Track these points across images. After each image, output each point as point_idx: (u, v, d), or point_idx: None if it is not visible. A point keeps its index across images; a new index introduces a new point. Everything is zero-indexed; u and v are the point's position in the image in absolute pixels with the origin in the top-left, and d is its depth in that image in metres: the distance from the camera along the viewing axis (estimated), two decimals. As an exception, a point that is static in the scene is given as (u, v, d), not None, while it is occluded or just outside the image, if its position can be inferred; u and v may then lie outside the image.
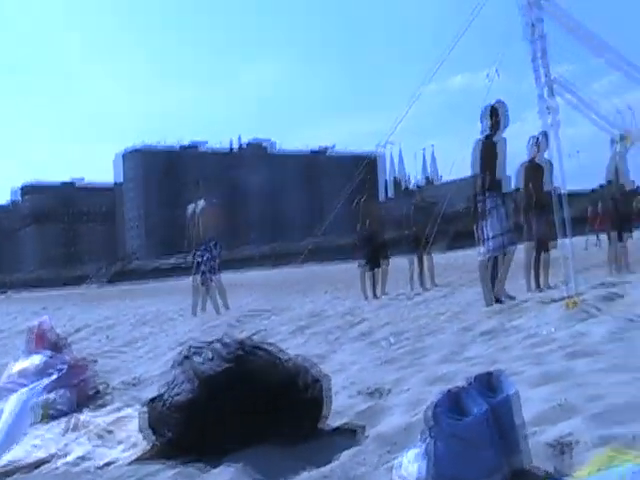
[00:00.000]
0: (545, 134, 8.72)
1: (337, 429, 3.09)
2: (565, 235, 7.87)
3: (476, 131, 8.12)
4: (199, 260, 12.07)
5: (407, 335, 6.32)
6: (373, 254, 13.38)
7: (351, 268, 15.09)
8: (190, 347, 3.19)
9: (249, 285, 24.56)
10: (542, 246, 9.91)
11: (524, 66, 7.31)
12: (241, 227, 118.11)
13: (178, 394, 2.94)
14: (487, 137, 8.11)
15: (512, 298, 8.32)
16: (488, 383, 2.36)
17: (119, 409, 3.92)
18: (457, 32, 7.72)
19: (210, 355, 3.03)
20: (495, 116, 7.98)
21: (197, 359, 3.04)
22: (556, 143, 7.53)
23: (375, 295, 12.95)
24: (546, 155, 9.00)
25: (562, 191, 7.71)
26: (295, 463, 2.64)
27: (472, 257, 9.85)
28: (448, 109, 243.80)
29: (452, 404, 2.27)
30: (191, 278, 12.26)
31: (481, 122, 8.12)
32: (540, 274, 10.07)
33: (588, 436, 2.54)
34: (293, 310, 11.05)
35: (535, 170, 9.54)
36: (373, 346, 5.93)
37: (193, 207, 12.30)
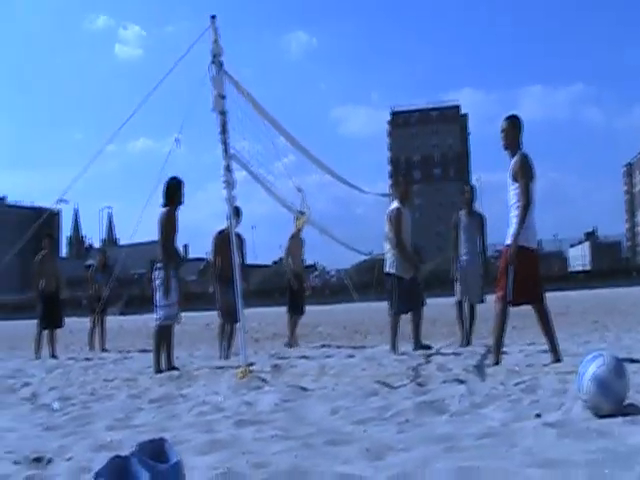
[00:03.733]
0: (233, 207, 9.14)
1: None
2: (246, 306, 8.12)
3: (155, 194, 8.23)
4: None
5: (74, 401, 6.05)
6: (51, 312, 12.79)
7: (20, 325, 14.27)
8: None
9: None
10: (228, 317, 10.12)
11: (211, 137, 7.52)
12: None
13: None
14: (168, 209, 8.30)
15: (176, 369, 8.39)
16: (152, 451, 2.33)
17: None
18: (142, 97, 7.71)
19: None
20: (174, 191, 8.28)
21: None
22: (230, 217, 7.77)
23: (52, 355, 12.36)
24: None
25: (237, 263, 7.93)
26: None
27: (146, 321, 9.83)
28: (128, 172, 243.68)
29: (116, 472, 2.20)
30: None
31: (163, 195, 8.30)
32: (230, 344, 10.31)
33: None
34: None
35: (224, 241, 9.79)
36: (37, 411, 5.59)
37: None
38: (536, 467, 2.89)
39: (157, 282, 8.41)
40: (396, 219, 9.67)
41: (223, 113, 7.49)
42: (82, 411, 5.41)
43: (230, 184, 7.41)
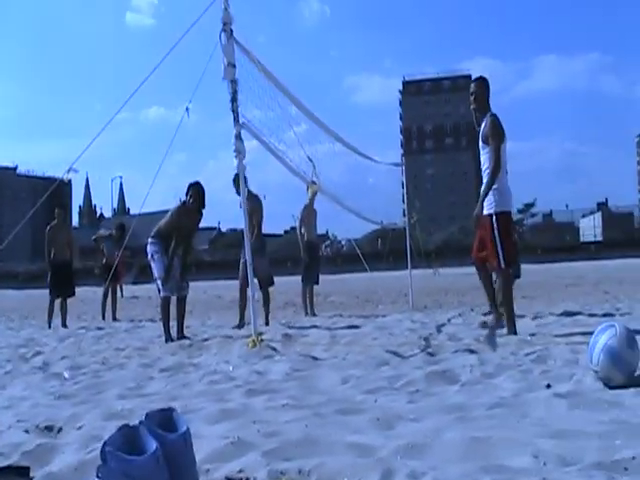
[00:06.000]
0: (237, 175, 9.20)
1: (8, 467, 2.85)
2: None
3: (167, 163, 8.35)
4: None
5: (85, 370, 6.08)
6: (62, 282, 12.83)
7: (32, 294, 14.35)
8: None
9: None
10: (260, 283, 10.29)
11: (223, 105, 7.46)
12: None
13: None
14: (185, 204, 8.75)
15: (187, 338, 8.49)
16: (162, 420, 2.32)
17: None
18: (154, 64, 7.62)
19: None
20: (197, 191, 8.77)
21: None
22: (243, 186, 7.72)
23: (64, 324, 12.43)
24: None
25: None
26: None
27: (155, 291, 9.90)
28: (141, 140, 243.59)
29: (125, 442, 2.19)
30: None
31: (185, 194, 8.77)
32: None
33: (266, 470, 2.60)
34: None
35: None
36: (48, 380, 5.61)
37: None
38: (548, 438, 2.87)
39: (154, 256, 8.66)
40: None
41: (234, 82, 7.41)
42: (93, 380, 5.43)
43: (240, 153, 7.37)
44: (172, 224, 8.69)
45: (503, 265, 7.08)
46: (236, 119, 7.35)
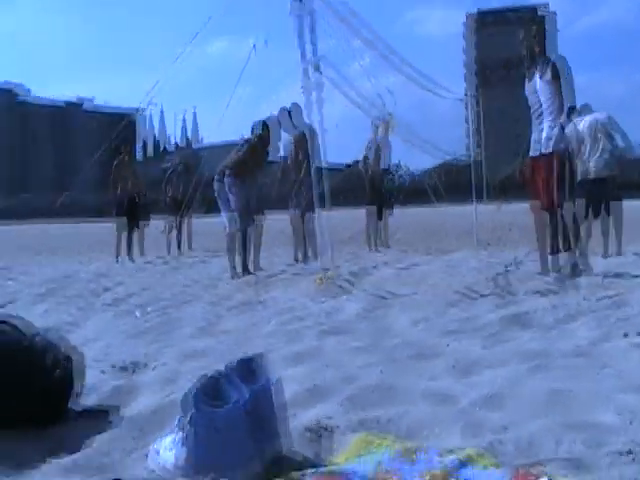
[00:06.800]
0: (297, 106, 9.57)
1: (89, 410, 2.93)
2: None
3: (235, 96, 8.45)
4: None
5: (160, 305, 6.18)
6: (132, 214, 13.03)
7: (98, 228, 14.60)
8: None
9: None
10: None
11: (287, 39, 7.36)
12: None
13: None
14: (251, 143, 8.83)
15: (253, 274, 8.59)
16: (249, 367, 2.33)
17: None
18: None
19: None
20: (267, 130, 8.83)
21: None
22: (319, 119, 7.64)
23: (131, 258, 12.65)
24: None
25: (323, 165, 7.95)
26: (44, 448, 2.45)
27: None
28: (208, 72, 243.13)
29: (211, 390, 2.22)
30: None
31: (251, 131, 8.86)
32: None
33: (344, 420, 2.60)
34: (40, 272, 10.46)
35: (302, 142, 9.76)
36: (125, 315, 5.74)
37: None
38: (631, 392, 2.81)
39: (232, 189, 8.67)
40: None
41: (300, 17, 7.29)
42: (163, 318, 5.52)
43: (308, 89, 7.28)
44: (248, 158, 8.72)
45: (562, 201, 7.03)
46: (303, 55, 7.25)
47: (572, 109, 10.10)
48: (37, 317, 5.76)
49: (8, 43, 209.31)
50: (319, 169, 8.01)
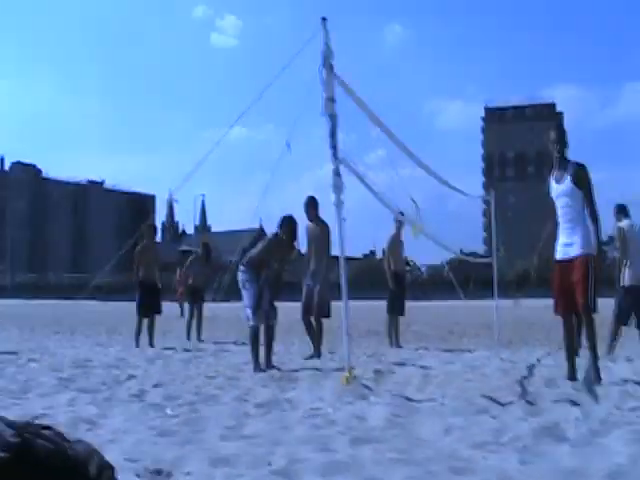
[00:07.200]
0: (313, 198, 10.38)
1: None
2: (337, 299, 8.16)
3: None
4: None
5: (180, 401, 6.09)
6: (150, 302, 13.03)
7: (116, 307, 14.64)
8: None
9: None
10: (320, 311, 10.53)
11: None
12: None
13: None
14: (278, 237, 8.93)
15: (276, 368, 8.56)
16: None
17: None
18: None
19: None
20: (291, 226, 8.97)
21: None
22: (338, 220, 7.62)
23: (151, 343, 12.64)
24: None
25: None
26: None
27: (238, 310, 9.97)
28: (221, 159, 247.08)
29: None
30: None
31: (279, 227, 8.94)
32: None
33: None
34: (54, 356, 10.43)
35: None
36: (147, 411, 5.65)
37: None
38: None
39: (245, 285, 8.75)
40: None
41: (333, 117, 7.43)
42: (191, 414, 5.44)
43: (339, 188, 7.35)
44: (265, 255, 8.77)
45: (591, 307, 7.01)
46: (335, 155, 7.34)
47: (622, 208, 10.28)
48: (63, 406, 5.75)
49: (24, 123, 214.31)
50: (334, 258, 8.16)
